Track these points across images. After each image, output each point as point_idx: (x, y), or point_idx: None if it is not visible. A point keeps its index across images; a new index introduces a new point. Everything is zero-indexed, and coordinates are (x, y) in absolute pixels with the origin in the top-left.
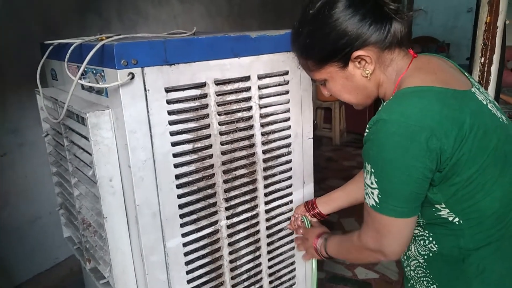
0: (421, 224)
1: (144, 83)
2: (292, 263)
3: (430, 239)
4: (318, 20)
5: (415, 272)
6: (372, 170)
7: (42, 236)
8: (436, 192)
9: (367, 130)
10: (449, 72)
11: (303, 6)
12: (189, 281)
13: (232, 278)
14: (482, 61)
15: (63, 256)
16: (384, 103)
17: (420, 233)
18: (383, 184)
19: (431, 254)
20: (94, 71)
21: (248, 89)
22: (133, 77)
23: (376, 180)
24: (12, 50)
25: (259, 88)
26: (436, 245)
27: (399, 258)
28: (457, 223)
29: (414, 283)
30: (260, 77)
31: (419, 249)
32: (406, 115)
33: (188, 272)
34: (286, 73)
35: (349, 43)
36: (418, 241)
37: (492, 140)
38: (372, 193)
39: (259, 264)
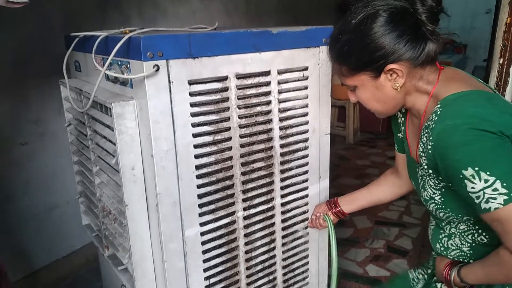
0: (470, 221)
1: (168, 75)
2: (306, 257)
3: (480, 232)
4: (359, 30)
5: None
6: (476, 168)
7: (59, 224)
8: None
9: (432, 143)
10: (475, 80)
11: (346, 15)
12: (205, 270)
13: (247, 268)
14: (501, 62)
15: (79, 244)
16: (438, 113)
17: (468, 228)
18: (499, 168)
19: (479, 244)
20: (120, 63)
21: (268, 83)
22: (158, 69)
23: (488, 173)
24: (34, 42)
25: (279, 83)
26: (487, 237)
27: None
28: None
29: None
30: (280, 72)
31: (464, 241)
32: (469, 115)
33: (205, 261)
34: (306, 68)
35: (384, 56)
36: (465, 236)
37: None
38: (496, 189)
39: (274, 256)
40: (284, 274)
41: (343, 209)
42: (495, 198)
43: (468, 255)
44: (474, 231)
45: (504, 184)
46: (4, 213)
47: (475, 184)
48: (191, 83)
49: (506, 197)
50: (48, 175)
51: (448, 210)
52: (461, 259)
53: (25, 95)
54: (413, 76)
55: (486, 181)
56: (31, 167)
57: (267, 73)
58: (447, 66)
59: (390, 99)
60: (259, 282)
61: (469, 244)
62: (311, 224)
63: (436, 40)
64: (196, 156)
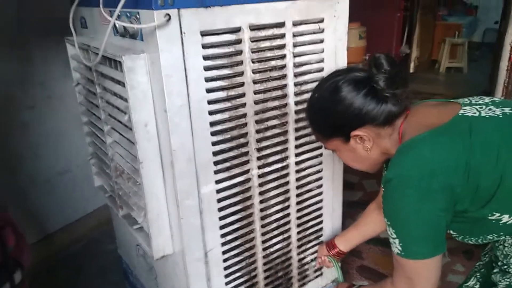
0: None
1: (180, 25)
2: (320, 216)
3: None
4: (320, 103)
5: None
6: (388, 223)
7: (70, 188)
8: (474, 210)
9: (382, 190)
10: (432, 112)
11: (313, 90)
12: (221, 227)
13: (262, 226)
14: None
15: (91, 208)
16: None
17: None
18: (401, 232)
19: None
20: (129, 14)
21: (282, 36)
22: (169, 19)
23: (394, 231)
24: (36, 3)
25: (294, 35)
26: None
27: None
28: None
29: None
30: (295, 24)
31: None
32: (403, 168)
33: (220, 218)
34: (322, 20)
35: (346, 125)
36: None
37: (494, 139)
38: (394, 242)
39: (288, 215)
40: (299, 233)
41: (341, 249)
42: (393, 247)
43: None
44: None
45: (401, 244)
46: (16, 176)
47: (387, 229)
48: (203, 34)
49: (398, 252)
50: (57, 140)
51: (467, 236)
52: None
53: (29, 55)
54: (384, 136)
55: (391, 234)
56: (39, 130)
57: (282, 24)
58: (413, 105)
59: (365, 159)
60: (274, 240)
61: None
62: (319, 264)
63: (396, 102)
64: (210, 113)
